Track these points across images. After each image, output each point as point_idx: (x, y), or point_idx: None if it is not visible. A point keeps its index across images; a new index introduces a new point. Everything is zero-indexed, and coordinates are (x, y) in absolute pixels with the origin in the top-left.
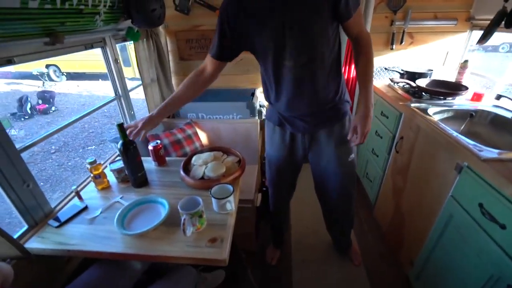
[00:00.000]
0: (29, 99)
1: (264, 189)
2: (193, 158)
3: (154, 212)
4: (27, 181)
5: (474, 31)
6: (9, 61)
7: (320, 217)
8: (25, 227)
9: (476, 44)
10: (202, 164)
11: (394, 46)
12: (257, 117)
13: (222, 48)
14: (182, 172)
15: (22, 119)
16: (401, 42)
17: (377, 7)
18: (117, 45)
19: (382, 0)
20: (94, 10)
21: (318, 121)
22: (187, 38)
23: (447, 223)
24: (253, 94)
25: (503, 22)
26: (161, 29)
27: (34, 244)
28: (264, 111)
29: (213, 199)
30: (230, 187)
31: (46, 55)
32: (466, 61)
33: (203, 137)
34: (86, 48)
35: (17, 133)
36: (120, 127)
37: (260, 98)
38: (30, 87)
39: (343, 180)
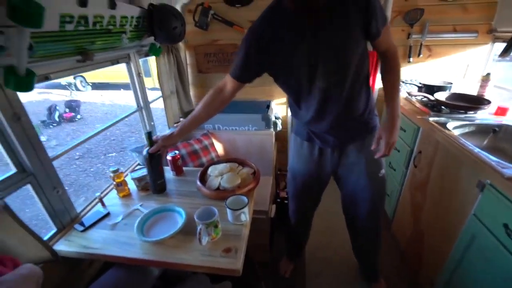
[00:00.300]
0: (57, 107)
1: (279, 200)
2: (210, 169)
3: (172, 220)
4: (57, 187)
5: (496, 43)
6: (46, 78)
7: (335, 229)
8: (54, 230)
9: (499, 57)
10: (218, 175)
11: (411, 59)
12: (272, 129)
13: (245, 70)
14: (198, 182)
15: (51, 126)
16: (419, 55)
17: (394, 21)
18: (140, 59)
19: (399, 13)
20: (121, 30)
21: (348, 135)
22: (206, 52)
23: (470, 243)
24: (268, 106)
25: None
26: (181, 44)
27: (61, 246)
28: (279, 123)
29: (228, 210)
30: (245, 199)
31: (77, 71)
32: (488, 74)
33: (219, 148)
34: (112, 64)
35: (45, 139)
36: (149, 135)
37: (275, 110)
38: (59, 96)
39: (373, 196)
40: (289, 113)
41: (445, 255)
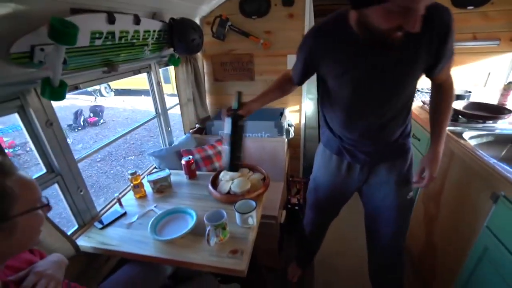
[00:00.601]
0: (83, 112)
1: (289, 206)
2: (221, 174)
3: (183, 221)
4: (81, 188)
5: None
6: (76, 87)
7: (346, 238)
8: (76, 226)
9: None
10: (229, 180)
11: None
12: (284, 136)
13: (302, 75)
14: (210, 186)
15: (76, 130)
16: None
17: None
18: (160, 69)
19: None
20: (143, 43)
21: (381, 154)
22: (222, 61)
23: (481, 256)
24: (281, 113)
25: None
26: (199, 53)
27: (82, 242)
28: (292, 130)
29: (236, 213)
30: (253, 203)
31: (103, 81)
32: (510, 83)
33: None
34: (134, 74)
35: (71, 142)
36: (239, 94)
37: (288, 117)
38: (84, 102)
39: (399, 218)
40: (302, 121)
41: (457, 267)
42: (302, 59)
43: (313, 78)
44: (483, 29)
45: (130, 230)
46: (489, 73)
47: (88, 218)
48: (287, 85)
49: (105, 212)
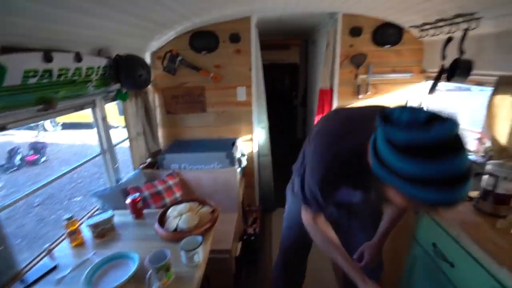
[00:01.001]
0: (20, 150)
1: (245, 237)
2: (169, 210)
3: (126, 267)
4: None
5: (428, 81)
6: (3, 128)
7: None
8: None
9: (428, 94)
10: (177, 216)
11: (361, 95)
12: (236, 166)
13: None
14: (156, 225)
15: (10, 171)
16: (367, 92)
17: (342, 64)
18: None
19: (346, 57)
20: (86, 79)
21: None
22: (174, 94)
23: (413, 264)
24: (233, 143)
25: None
26: (149, 87)
27: None
28: (244, 160)
29: (181, 251)
30: (199, 239)
31: (38, 119)
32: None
33: (185, 187)
34: (76, 110)
35: (0, 185)
36: None
37: (241, 147)
38: (25, 137)
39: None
40: (255, 149)
41: (398, 277)
42: (322, 198)
43: (263, 107)
44: (399, 63)
45: (60, 286)
46: (407, 100)
47: (6, 279)
48: (325, 222)
49: (31, 268)
